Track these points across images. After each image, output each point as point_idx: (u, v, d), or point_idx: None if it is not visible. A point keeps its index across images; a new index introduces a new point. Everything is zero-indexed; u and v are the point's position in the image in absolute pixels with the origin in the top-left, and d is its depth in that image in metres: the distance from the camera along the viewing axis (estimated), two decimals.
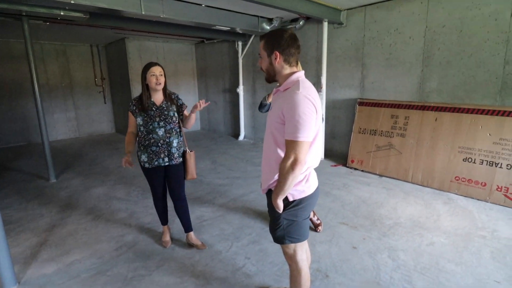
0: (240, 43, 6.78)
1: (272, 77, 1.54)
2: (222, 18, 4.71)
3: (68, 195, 4.01)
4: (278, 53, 1.43)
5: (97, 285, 2.20)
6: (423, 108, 4.03)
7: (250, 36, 6.51)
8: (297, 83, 1.40)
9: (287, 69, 1.48)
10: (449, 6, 3.77)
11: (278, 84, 1.56)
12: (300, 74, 1.47)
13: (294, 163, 1.31)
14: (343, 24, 4.88)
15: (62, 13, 3.84)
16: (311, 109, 1.33)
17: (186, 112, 2.57)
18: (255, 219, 3.17)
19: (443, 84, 3.97)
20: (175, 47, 8.04)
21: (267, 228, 2.94)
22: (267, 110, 2.89)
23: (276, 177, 1.48)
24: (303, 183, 1.49)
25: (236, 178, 4.49)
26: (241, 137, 7.26)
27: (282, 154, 1.43)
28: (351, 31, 4.84)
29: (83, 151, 6.50)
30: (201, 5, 4.31)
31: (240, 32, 5.64)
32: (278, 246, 1.99)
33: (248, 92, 7.00)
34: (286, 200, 1.48)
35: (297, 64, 1.52)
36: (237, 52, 6.92)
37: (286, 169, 1.33)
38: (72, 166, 5.35)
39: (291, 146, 1.32)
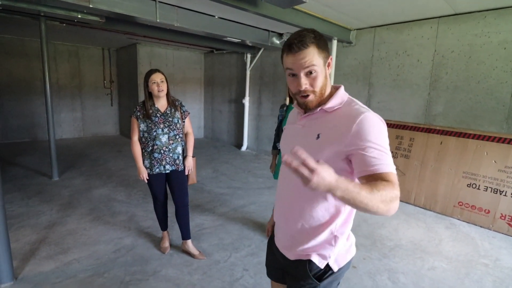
0: (249, 55, 6.88)
1: (321, 99, 1.05)
2: (234, 30, 4.81)
3: (69, 194, 4.01)
4: (331, 58, 1.03)
5: (93, 286, 2.18)
6: (429, 130, 4.04)
7: (259, 49, 6.62)
8: (350, 100, 1.04)
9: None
10: (458, 32, 3.84)
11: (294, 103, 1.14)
12: (343, 89, 1.08)
13: (397, 199, 0.86)
14: (352, 43, 4.96)
15: (79, 16, 3.93)
16: (386, 134, 0.96)
17: (187, 124, 2.59)
18: (254, 231, 3.15)
19: (450, 108, 3.99)
20: (184, 55, 8.17)
21: (267, 241, 2.91)
22: None
23: (320, 239, 1.06)
24: (346, 243, 1.11)
25: (237, 188, 4.48)
26: (244, 148, 7.28)
27: (332, 201, 1.03)
28: (360, 51, 4.91)
29: (87, 152, 6.52)
30: (214, 16, 4.41)
31: (250, 44, 5.73)
32: None
33: (254, 104, 7.06)
34: (329, 269, 1.09)
35: None
36: (245, 64, 7.02)
37: (392, 199, 0.84)
38: (75, 166, 5.37)
39: (394, 179, 0.89)
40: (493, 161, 3.46)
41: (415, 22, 4.20)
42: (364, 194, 0.79)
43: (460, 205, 3.65)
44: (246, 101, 7.06)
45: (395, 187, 0.86)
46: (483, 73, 3.68)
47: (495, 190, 3.43)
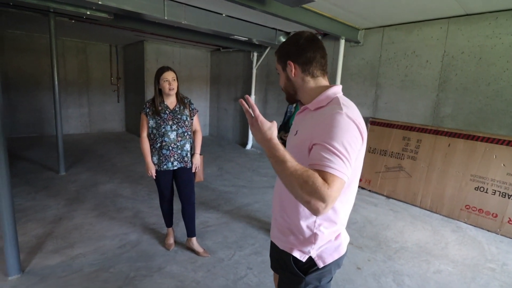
0: (255, 54, 6.87)
1: (292, 96, 1.17)
2: (241, 28, 4.80)
3: (76, 189, 4.05)
4: (292, 63, 1.10)
5: (98, 281, 2.20)
6: (436, 132, 3.99)
7: (266, 47, 6.60)
8: (335, 100, 1.04)
9: (310, 82, 1.11)
10: (468, 33, 3.78)
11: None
12: (337, 90, 1.09)
13: (316, 195, 0.84)
14: (360, 43, 4.92)
15: (88, 13, 3.96)
16: (356, 139, 0.95)
17: (195, 122, 2.59)
18: (258, 230, 3.14)
19: (458, 110, 3.94)
20: (191, 53, 8.18)
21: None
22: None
23: (298, 234, 1.11)
24: (334, 242, 1.13)
25: (241, 187, 4.49)
26: (249, 146, 7.28)
27: None
28: (367, 50, 4.87)
29: (93, 147, 6.58)
30: (221, 14, 4.40)
31: (257, 43, 5.72)
32: None
33: (260, 102, 7.05)
34: (314, 264, 1.12)
35: (324, 75, 1.14)
36: (251, 62, 7.01)
37: (313, 191, 0.84)
38: (81, 161, 5.41)
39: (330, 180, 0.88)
40: (502, 165, 3.42)
41: (425, 22, 4.15)
42: (289, 165, 0.86)
43: (467, 208, 3.61)
44: (252, 99, 7.04)
45: (323, 186, 0.84)
46: (493, 75, 3.63)
47: (504, 194, 3.38)
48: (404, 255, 2.80)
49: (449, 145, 3.85)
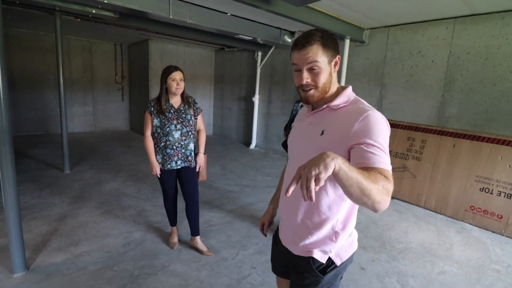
0: (259, 53, 6.86)
1: (323, 95, 1.07)
2: (246, 28, 4.79)
3: (80, 187, 4.07)
4: (339, 58, 1.07)
5: (103, 279, 2.21)
6: (441, 133, 3.97)
7: (270, 47, 6.59)
8: (356, 100, 1.07)
9: (335, 80, 1.10)
10: (475, 33, 3.75)
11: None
12: (351, 90, 1.12)
13: (390, 194, 0.84)
14: (365, 42, 4.89)
15: (94, 11, 3.98)
16: (388, 135, 0.97)
17: (199, 121, 2.60)
18: None
19: (464, 111, 3.92)
20: (195, 52, 8.19)
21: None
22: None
23: (321, 234, 1.08)
24: (348, 238, 1.13)
25: (245, 186, 4.49)
26: (252, 146, 7.27)
27: (334, 194, 1.04)
28: (372, 50, 4.85)
29: (98, 146, 6.61)
30: (226, 13, 4.40)
31: (261, 42, 5.71)
32: None
33: (264, 102, 7.05)
34: (331, 263, 1.11)
35: None
36: (256, 62, 7.00)
37: (387, 191, 0.83)
38: (86, 159, 5.44)
39: (389, 176, 0.89)
40: (508, 166, 3.39)
41: (430, 22, 4.12)
42: (364, 175, 0.79)
43: (472, 209, 3.58)
44: (256, 99, 7.04)
45: (390, 182, 0.85)
46: (500, 76, 3.60)
47: (509, 195, 3.35)
48: (408, 256, 2.79)
49: (454, 145, 3.82)
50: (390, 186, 0.84)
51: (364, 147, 0.91)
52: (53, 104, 7.52)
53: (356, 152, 0.93)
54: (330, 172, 0.73)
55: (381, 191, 0.81)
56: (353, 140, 0.93)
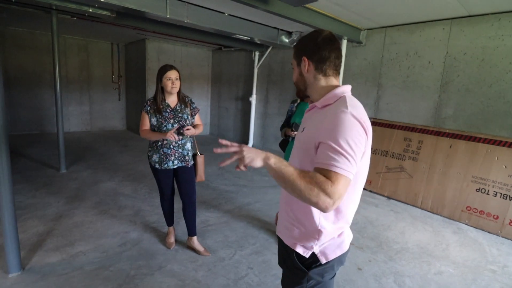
0: (257, 53, 6.86)
1: (302, 92, 1.20)
2: (243, 28, 4.79)
3: (76, 186, 4.04)
4: (306, 59, 1.11)
5: (99, 279, 2.20)
6: (438, 133, 3.99)
7: (267, 47, 6.59)
8: (342, 99, 1.05)
9: (321, 80, 1.13)
10: (471, 34, 3.77)
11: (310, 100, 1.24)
12: (346, 89, 1.11)
13: (322, 193, 0.88)
14: (362, 43, 4.91)
15: (90, 10, 3.95)
16: (361, 137, 0.97)
17: (197, 120, 2.58)
18: (259, 230, 3.14)
19: (460, 111, 3.94)
20: (192, 52, 8.18)
21: (271, 240, 2.91)
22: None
23: (303, 230, 1.13)
24: (337, 239, 1.15)
25: (242, 186, 4.48)
26: (250, 146, 7.26)
27: None
28: (369, 51, 4.87)
29: (94, 145, 6.58)
30: (224, 13, 4.39)
31: (258, 42, 5.71)
32: None
33: (261, 102, 7.05)
34: (317, 260, 1.14)
35: (336, 75, 1.16)
36: (253, 61, 7.00)
37: (318, 192, 0.88)
38: (82, 159, 5.41)
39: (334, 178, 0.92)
40: (504, 166, 3.41)
41: (427, 23, 4.14)
42: (297, 175, 0.90)
43: (468, 210, 3.60)
44: (253, 99, 7.04)
45: (327, 184, 0.88)
46: (496, 77, 3.62)
47: (505, 195, 3.37)
48: (405, 256, 2.80)
49: (450, 146, 3.84)
50: (329, 187, 0.88)
51: (322, 147, 0.97)
52: (49, 103, 7.46)
53: (318, 152, 0.99)
54: (255, 166, 0.96)
55: (311, 190, 0.88)
56: (319, 138, 0.99)
